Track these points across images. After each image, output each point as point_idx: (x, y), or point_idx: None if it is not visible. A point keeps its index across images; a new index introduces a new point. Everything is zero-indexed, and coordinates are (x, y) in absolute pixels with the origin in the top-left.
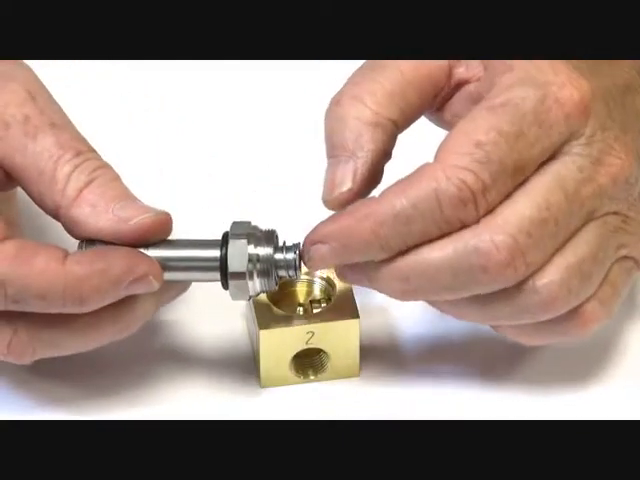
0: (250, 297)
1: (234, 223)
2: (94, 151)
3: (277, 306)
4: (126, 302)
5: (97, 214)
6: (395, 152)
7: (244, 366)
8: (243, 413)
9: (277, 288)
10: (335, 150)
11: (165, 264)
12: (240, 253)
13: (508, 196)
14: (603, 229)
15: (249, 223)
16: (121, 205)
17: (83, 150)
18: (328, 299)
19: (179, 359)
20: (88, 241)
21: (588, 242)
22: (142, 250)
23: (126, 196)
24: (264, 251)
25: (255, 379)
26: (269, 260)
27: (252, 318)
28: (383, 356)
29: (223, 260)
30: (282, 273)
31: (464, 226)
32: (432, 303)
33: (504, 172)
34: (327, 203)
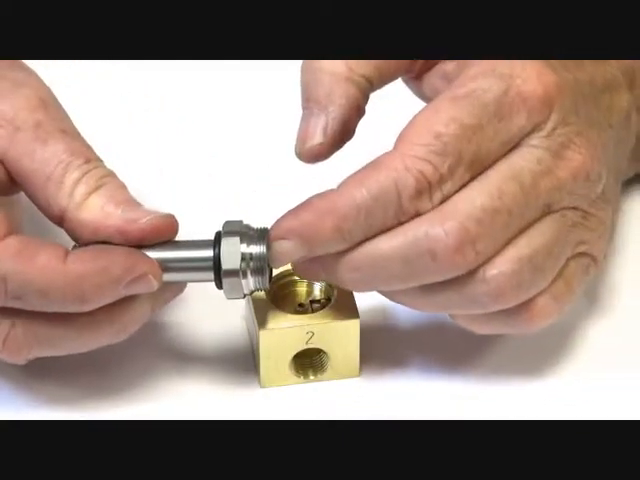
0: (245, 295)
1: (226, 222)
2: (102, 160)
3: (277, 306)
4: (123, 303)
5: (105, 214)
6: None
7: (244, 366)
8: (243, 413)
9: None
10: (308, 103)
11: (160, 265)
12: (233, 252)
13: (464, 186)
14: (561, 223)
15: (241, 222)
16: (129, 208)
17: (92, 158)
18: (328, 299)
19: (179, 359)
20: (83, 245)
21: (543, 235)
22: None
23: (133, 202)
24: (257, 249)
25: (255, 379)
26: (262, 258)
27: (252, 318)
28: (383, 356)
29: (216, 259)
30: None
31: (418, 216)
32: (385, 294)
33: (462, 164)
34: (299, 155)
